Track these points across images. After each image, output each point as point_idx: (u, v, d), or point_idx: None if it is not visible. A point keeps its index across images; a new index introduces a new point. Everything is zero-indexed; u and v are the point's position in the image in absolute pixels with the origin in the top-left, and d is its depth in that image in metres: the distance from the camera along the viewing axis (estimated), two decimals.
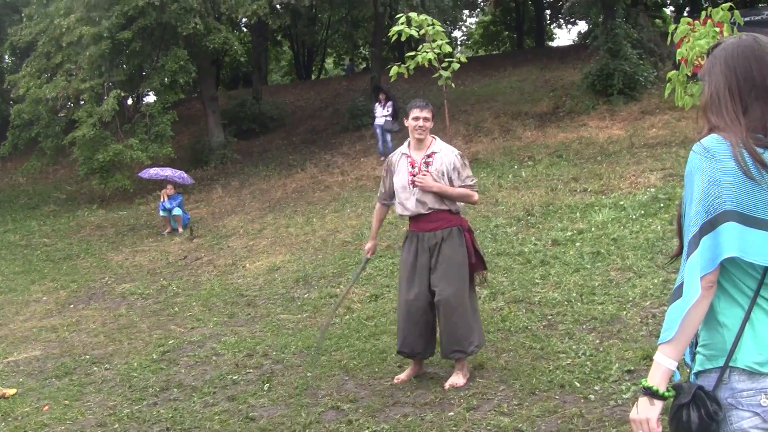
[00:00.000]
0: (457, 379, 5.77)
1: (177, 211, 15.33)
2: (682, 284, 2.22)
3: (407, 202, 5.86)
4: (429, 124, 5.86)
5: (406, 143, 6.06)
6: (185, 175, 16.45)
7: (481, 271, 6.10)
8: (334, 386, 6.11)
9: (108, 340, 8.52)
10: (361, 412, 5.48)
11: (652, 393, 2.24)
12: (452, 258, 5.74)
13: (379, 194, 6.27)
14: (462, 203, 6.01)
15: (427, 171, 5.74)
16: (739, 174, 2.16)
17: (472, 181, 5.87)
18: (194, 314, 9.27)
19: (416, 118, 5.82)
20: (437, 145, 5.91)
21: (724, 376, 2.23)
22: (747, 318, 2.23)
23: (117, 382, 6.94)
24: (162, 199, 15.52)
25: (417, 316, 5.83)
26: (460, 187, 5.79)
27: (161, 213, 15.56)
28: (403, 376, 6.02)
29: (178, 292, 10.61)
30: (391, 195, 6.10)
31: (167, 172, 16.16)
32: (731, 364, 2.22)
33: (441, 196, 5.75)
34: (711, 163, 2.20)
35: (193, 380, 6.73)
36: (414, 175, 5.77)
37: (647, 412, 2.23)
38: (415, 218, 5.89)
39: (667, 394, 2.24)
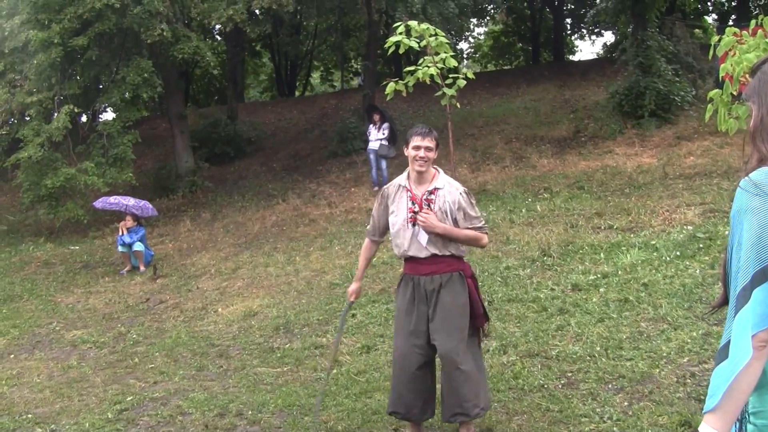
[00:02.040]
0: None
1: (138, 247, 15.32)
2: (728, 343, 2.18)
3: (405, 242, 5.81)
4: (432, 155, 5.79)
5: (405, 174, 6.00)
6: (149, 205, 16.45)
7: (484, 323, 6.05)
8: None
9: (55, 396, 8.46)
10: None
11: None
12: (453, 308, 5.68)
13: (368, 228, 6.24)
14: (467, 246, 5.99)
15: (430, 209, 5.71)
16: None
17: (481, 222, 5.83)
18: (157, 366, 9.22)
19: (417, 148, 5.76)
20: (441, 179, 5.85)
21: None
22: None
23: None
24: (120, 233, 15.51)
25: (414, 372, 5.79)
26: (468, 229, 5.76)
27: (120, 248, 15.55)
28: None
29: (138, 341, 10.56)
30: (382, 231, 6.09)
31: (129, 201, 16.15)
32: None
33: (445, 238, 5.72)
34: (763, 202, 2.18)
35: None
36: (414, 212, 5.76)
37: None
38: (411, 260, 5.86)
39: None
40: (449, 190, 5.78)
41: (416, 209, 5.74)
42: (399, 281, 6.06)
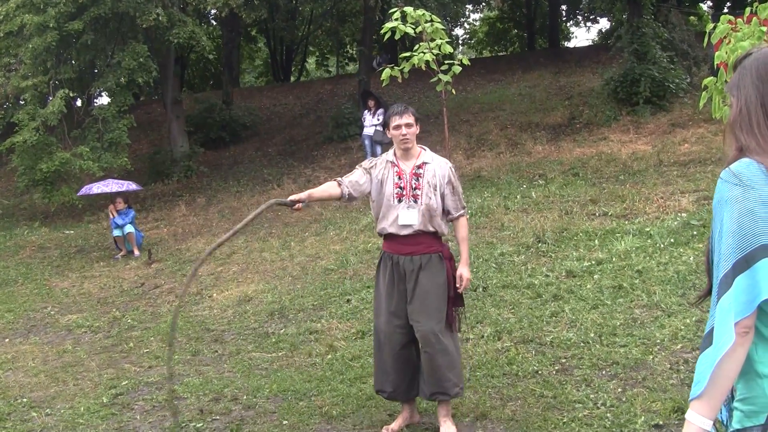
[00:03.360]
0: (447, 429, 5.76)
1: (129, 229, 15.33)
2: (712, 330, 2.22)
3: (388, 218, 5.83)
4: (413, 130, 5.81)
5: (391, 151, 6.02)
6: (131, 183, 16.42)
7: (459, 307, 6.02)
8: None
9: (50, 380, 8.45)
10: None
11: None
12: (431, 289, 5.71)
13: (344, 177, 6.02)
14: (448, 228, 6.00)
15: (462, 276, 5.82)
16: None
17: (464, 201, 5.93)
18: (152, 351, 9.23)
19: (398, 127, 5.78)
20: (428, 154, 5.91)
21: None
22: None
23: (60, 430, 6.88)
24: (111, 216, 15.50)
25: (398, 351, 5.83)
26: (454, 202, 5.81)
27: (115, 232, 15.56)
28: (394, 425, 5.98)
29: (133, 325, 10.57)
30: (357, 190, 5.89)
31: (112, 188, 16.02)
32: None
33: (431, 214, 5.74)
34: (743, 192, 2.20)
35: (150, 428, 6.69)
36: (400, 187, 5.77)
37: None
38: (390, 238, 5.87)
39: None
40: (438, 163, 5.84)
41: (402, 184, 5.77)
42: (379, 260, 6.08)
